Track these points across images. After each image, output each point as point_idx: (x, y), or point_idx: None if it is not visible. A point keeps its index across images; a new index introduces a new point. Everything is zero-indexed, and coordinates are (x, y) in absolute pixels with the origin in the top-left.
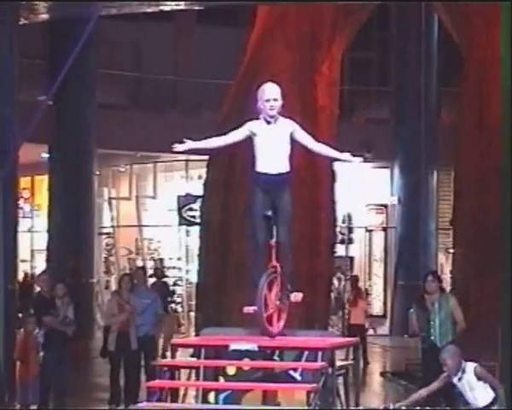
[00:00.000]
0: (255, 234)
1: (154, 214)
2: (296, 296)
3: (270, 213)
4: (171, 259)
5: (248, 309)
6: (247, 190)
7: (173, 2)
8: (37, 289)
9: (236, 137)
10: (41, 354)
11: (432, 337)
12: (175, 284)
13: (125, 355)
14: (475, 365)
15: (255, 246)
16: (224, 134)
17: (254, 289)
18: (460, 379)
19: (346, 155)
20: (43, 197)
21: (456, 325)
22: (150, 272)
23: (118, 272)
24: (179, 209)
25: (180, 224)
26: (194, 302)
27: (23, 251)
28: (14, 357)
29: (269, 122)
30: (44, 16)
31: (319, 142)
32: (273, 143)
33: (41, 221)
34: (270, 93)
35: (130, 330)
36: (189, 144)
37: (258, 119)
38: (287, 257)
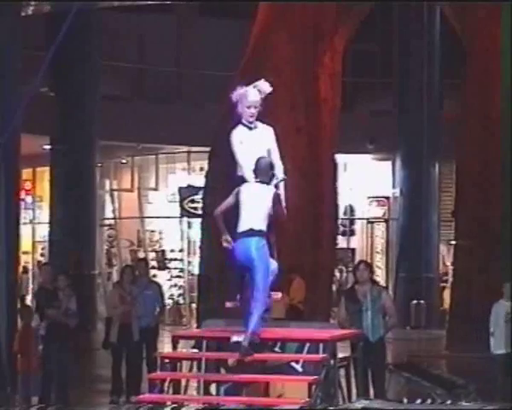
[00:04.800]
0: None
1: (155, 206)
2: (276, 295)
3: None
4: (172, 251)
5: (230, 304)
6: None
7: None
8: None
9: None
10: (40, 346)
11: (364, 331)
12: (177, 276)
13: (127, 347)
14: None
15: None
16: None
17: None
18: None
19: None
20: (44, 189)
21: (386, 319)
22: (152, 263)
23: (120, 263)
24: (181, 201)
25: (182, 215)
26: (195, 294)
27: (25, 243)
28: (14, 350)
29: (250, 128)
30: (45, 8)
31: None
32: (253, 149)
33: (43, 213)
34: (252, 100)
35: (132, 322)
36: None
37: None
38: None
